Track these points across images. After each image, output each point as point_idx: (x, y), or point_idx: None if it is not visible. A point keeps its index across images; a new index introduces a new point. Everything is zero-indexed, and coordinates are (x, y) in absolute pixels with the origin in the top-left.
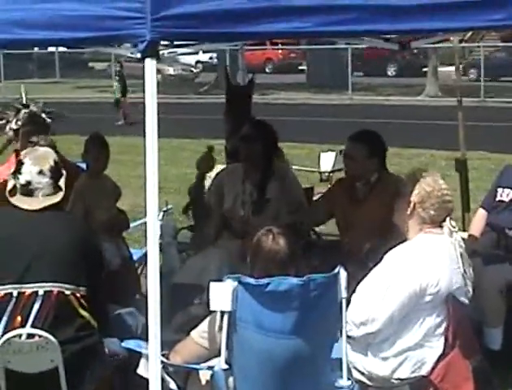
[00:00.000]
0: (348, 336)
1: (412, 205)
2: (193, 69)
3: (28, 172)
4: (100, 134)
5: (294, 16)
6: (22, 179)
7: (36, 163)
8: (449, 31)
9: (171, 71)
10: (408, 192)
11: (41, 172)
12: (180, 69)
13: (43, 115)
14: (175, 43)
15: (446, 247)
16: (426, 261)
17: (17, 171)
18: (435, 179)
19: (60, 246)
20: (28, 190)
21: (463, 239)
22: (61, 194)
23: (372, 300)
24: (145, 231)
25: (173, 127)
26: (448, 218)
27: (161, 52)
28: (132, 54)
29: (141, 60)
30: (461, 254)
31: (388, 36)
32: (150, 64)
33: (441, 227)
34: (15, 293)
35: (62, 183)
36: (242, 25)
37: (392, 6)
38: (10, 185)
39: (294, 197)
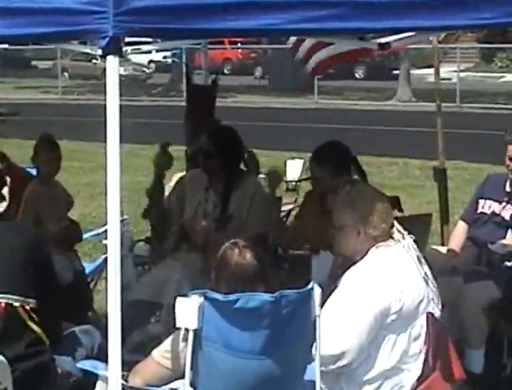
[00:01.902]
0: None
1: (356, 231)
2: (145, 69)
3: None
4: (49, 135)
5: (269, 12)
6: None
7: None
8: (434, 29)
9: (121, 71)
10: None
11: None
12: (132, 69)
13: None
14: (138, 40)
15: (401, 257)
16: (383, 278)
17: None
18: (358, 189)
19: (7, 256)
20: None
21: (442, 253)
22: (4, 204)
23: (337, 332)
24: (98, 242)
25: (124, 132)
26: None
27: (124, 49)
28: (92, 51)
29: (102, 57)
30: (417, 258)
31: (364, 34)
32: (113, 62)
33: (392, 237)
34: None
35: (5, 192)
36: (214, 21)
37: (374, 3)
38: None
39: (256, 222)
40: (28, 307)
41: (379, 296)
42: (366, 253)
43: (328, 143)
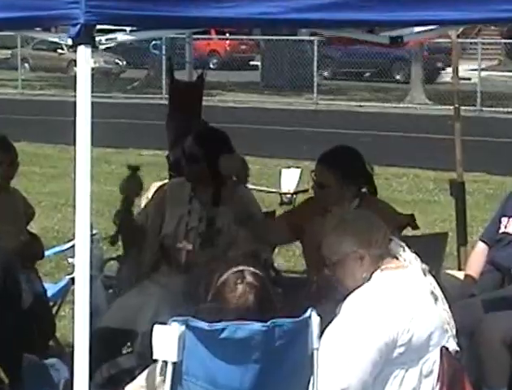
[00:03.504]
0: None
1: (358, 257)
2: (118, 61)
3: None
4: (3, 136)
5: None
6: None
7: None
8: (451, 23)
9: (90, 63)
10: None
11: None
12: (102, 61)
13: None
14: (113, 28)
15: (410, 281)
16: (389, 304)
17: None
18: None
19: None
20: None
21: (458, 278)
22: None
23: (337, 366)
24: (62, 260)
25: (94, 134)
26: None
27: (97, 38)
28: (60, 40)
29: (72, 47)
30: (423, 271)
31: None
32: (84, 53)
33: (396, 257)
34: None
35: None
36: (197, 8)
37: None
38: None
39: (247, 238)
40: None
41: (384, 325)
42: (370, 277)
43: (341, 146)
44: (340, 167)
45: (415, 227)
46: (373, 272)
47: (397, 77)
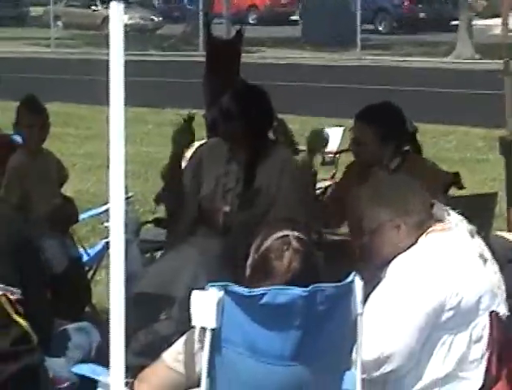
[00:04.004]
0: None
1: (394, 226)
2: (154, 18)
3: None
4: (32, 96)
5: None
6: None
7: None
8: None
9: (125, 19)
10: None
11: None
12: (138, 17)
13: None
14: None
15: (458, 242)
16: (437, 267)
17: None
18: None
19: None
20: None
21: (509, 240)
22: None
23: (382, 332)
24: (97, 224)
25: (129, 93)
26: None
27: None
28: None
29: (104, 3)
30: (470, 233)
31: None
32: (117, 9)
33: (439, 220)
34: None
35: None
36: None
37: None
38: None
39: (286, 201)
40: (12, 297)
41: (431, 289)
42: (415, 241)
43: (380, 103)
44: (378, 125)
45: (460, 186)
46: (418, 237)
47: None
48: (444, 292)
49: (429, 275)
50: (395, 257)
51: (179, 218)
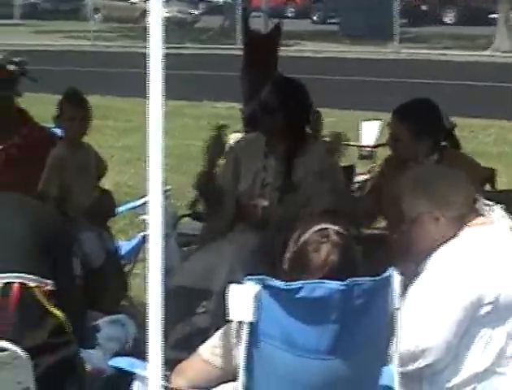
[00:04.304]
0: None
1: (433, 218)
2: (192, 11)
3: None
4: (75, 89)
5: None
6: None
7: None
8: None
9: (164, 13)
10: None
11: None
12: (176, 10)
13: (10, 67)
14: None
15: (499, 236)
16: (476, 261)
17: None
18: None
19: (17, 234)
20: None
21: None
22: None
23: (419, 325)
24: (135, 217)
25: (168, 86)
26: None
27: None
28: None
29: None
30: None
31: None
32: (156, 1)
33: (481, 214)
34: None
35: None
36: None
37: None
38: None
39: (324, 195)
40: (46, 289)
41: (469, 283)
42: (456, 234)
43: (416, 99)
44: (413, 121)
45: (493, 183)
46: (458, 231)
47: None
48: (482, 286)
49: (468, 268)
50: (433, 249)
51: (217, 216)
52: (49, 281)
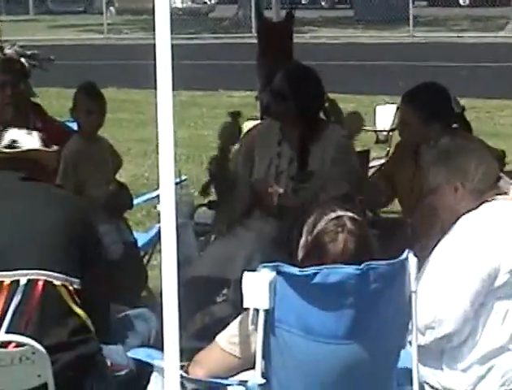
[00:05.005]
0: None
1: (453, 188)
2: (206, 0)
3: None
4: (90, 83)
5: None
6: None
7: None
8: None
9: (178, 3)
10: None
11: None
12: (190, 1)
13: (22, 60)
14: None
15: None
16: (493, 234)
17: None
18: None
19: (47, 227)
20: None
21: None
22: None
23: (436, 295)
24: (152, 208)
25: (182, 77)
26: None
27: None
28: None
29: None
30: None
31: None
32: None
33: (502, 192)
34: None
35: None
36: None
37: None
38: None
39: (340, 180)
40: (71, 288)
41: (488, 253)
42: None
43: (425, 84)
44: (422, 106)
45: (503, 165)
46: (478, 205)
47: None
48: (500, 258)
49: (486, 239)
50: (453, 221)
51: (228, 203)
52: (75, 280)
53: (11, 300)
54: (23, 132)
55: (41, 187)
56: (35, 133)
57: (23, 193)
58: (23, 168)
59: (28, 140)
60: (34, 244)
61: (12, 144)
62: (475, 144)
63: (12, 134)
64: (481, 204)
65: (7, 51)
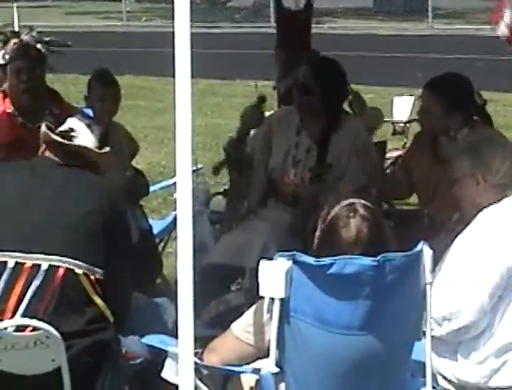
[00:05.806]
0: (431, 336)
1: (475, 181)
2: None
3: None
4: (106, 70)
5: None
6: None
7: None
8: None
9: None
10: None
11: None
12: None
13: (39, 46)
14: None
15: None
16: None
17: None
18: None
19: (76, 215)
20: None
21: None
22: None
23: (455, 287)
24: (169, 196)
25: (200, 65)
26: None
27: None
28: None
29: None
30: None
31: None
32: None
33: None
34: (10, 263)
35: None
36: None
37: None
38: None
39: (358, 172)
40: (93, 277)
41: (507, 247)
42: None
43: (449, 74)
44: (445, 95)
45: None
46: (500, 198)
47: None
48: None
49: (506, 234)
50: (473, 214)
51: (243, 190)
52: (98, 269)
53: (30, 283)
54: (86, 122)
55: (75, 173)
56: (96, 128)
57: (57, 179)
58: (69, 160)
59: (85, 134)
60: (61, 230)
61: (69, 131)
62: (502, 139)
63: (72, 122)
64: (502, 198)
65: (24, 37)
